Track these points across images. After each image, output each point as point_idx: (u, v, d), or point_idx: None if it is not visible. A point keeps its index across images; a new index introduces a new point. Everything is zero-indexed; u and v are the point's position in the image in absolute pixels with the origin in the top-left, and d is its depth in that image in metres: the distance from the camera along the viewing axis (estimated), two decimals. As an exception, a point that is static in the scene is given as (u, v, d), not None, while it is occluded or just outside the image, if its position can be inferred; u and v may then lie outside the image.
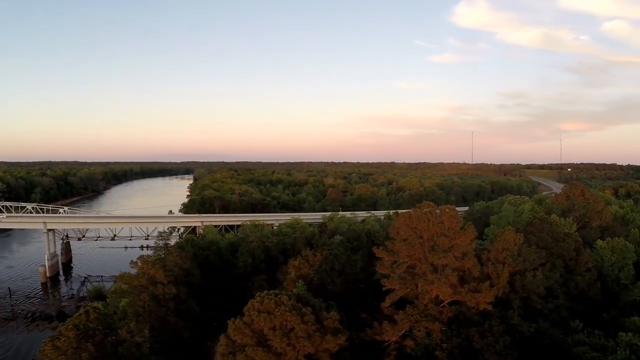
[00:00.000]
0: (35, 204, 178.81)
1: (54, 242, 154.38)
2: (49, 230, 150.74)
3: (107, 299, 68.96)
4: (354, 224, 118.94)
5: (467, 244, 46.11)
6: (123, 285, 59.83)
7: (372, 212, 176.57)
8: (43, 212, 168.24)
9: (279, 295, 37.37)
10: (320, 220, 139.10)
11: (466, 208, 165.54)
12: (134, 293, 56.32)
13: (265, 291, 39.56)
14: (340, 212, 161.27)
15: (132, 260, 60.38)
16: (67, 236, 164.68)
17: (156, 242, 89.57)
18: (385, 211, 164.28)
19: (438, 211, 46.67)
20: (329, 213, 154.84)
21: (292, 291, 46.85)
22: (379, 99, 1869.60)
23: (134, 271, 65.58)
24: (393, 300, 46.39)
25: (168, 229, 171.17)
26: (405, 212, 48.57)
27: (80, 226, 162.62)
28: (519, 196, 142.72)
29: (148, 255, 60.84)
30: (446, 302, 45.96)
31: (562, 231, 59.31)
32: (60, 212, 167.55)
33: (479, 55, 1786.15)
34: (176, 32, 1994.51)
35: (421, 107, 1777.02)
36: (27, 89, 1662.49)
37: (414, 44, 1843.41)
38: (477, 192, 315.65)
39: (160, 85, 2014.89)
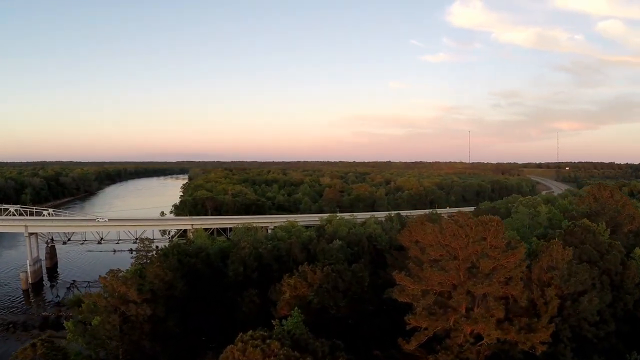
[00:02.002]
0: (18, 205, 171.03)
1: (37, 246, 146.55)
2: (31, 234, 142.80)
3: (79, 317, 60.99)
4: (354, 227, 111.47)
5: (515, 266, 36.55)
6: (96, 305, 51.77)
7: (372, 213, 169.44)
8: (26, 215, 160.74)
9: (268, 341, 28.80)
10: (318, 222, 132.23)
11: (471, 208, 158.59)
12: (104, 313, 48.44)
13: (250, 332, 30.86)
14: (339, 214, 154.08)
15: (100, 276, 52.64)
16: (52, 239, 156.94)
17: (137, 250, 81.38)
18: (386, 212, 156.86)
19: (478, 224, 36.46)
20: (327, 215, 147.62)
21: (286, 317, 38.91)
22: (372, 99, 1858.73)
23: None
24: (420, 342, 36.72)
25: (160, 231, 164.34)
26: (434, 224, 38.88)
27: (65, 229, 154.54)
28: (530, 197, 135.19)
29: (118, 270, 52.96)
30: (486, 340, 36.68)
31: (605, 241, 51.32)
32: (44, 215, 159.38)
33: (473, 55, 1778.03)
34: (175, 33, 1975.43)
35: (415, 107, 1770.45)
36: (22, 89, 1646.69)
37: (409, 43, 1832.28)
38: (478, 192, 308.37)
39: (155, 85, 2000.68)
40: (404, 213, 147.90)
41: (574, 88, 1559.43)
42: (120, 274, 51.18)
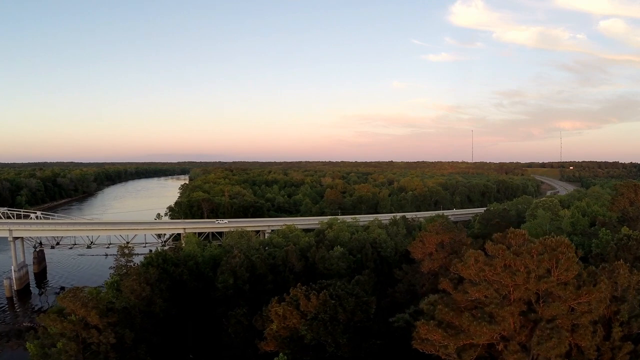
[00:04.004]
0: (5, 208, 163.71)
1: (23, 251, 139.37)
2: (16, 238, 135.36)
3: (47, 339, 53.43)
4: (356, 232, 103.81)
5: (590, 309, 26.53)
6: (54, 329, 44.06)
7: (376, 215, 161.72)
8: (13, 218, 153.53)
9: None
10: (318, 226, 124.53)
11: (481, 210, 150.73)
12: (63, 339, 40.90)
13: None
14: (340, 217, 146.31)
15: (58, 296, 45.17)
16: (40, 244, 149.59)
17: (116, 260, 73.64)
18: (391, 215, 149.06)
19: (543, 251, 26.07)
20: (328, 218, 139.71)
21: (272, 355, 31.28)
22: (374, 99, 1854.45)
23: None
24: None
25: (154, 235, 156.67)
26: (477, 251, 27.96)
27: (51, 234, 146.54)
28: (546, 198, 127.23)
29: (80, 289, 45.20)
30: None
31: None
32: (31, 218, 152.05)
33: (475, 54, 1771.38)
34: (175, 33, 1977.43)
35: (417, 107, 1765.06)
36: (23, 89, 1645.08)
37: (411, 43, 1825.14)
38: (483, 192, 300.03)
39: (158, 86, 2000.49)
40: (409, 215, 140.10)
41: (576, 87, 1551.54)
42: (82, 294, 43.29)
